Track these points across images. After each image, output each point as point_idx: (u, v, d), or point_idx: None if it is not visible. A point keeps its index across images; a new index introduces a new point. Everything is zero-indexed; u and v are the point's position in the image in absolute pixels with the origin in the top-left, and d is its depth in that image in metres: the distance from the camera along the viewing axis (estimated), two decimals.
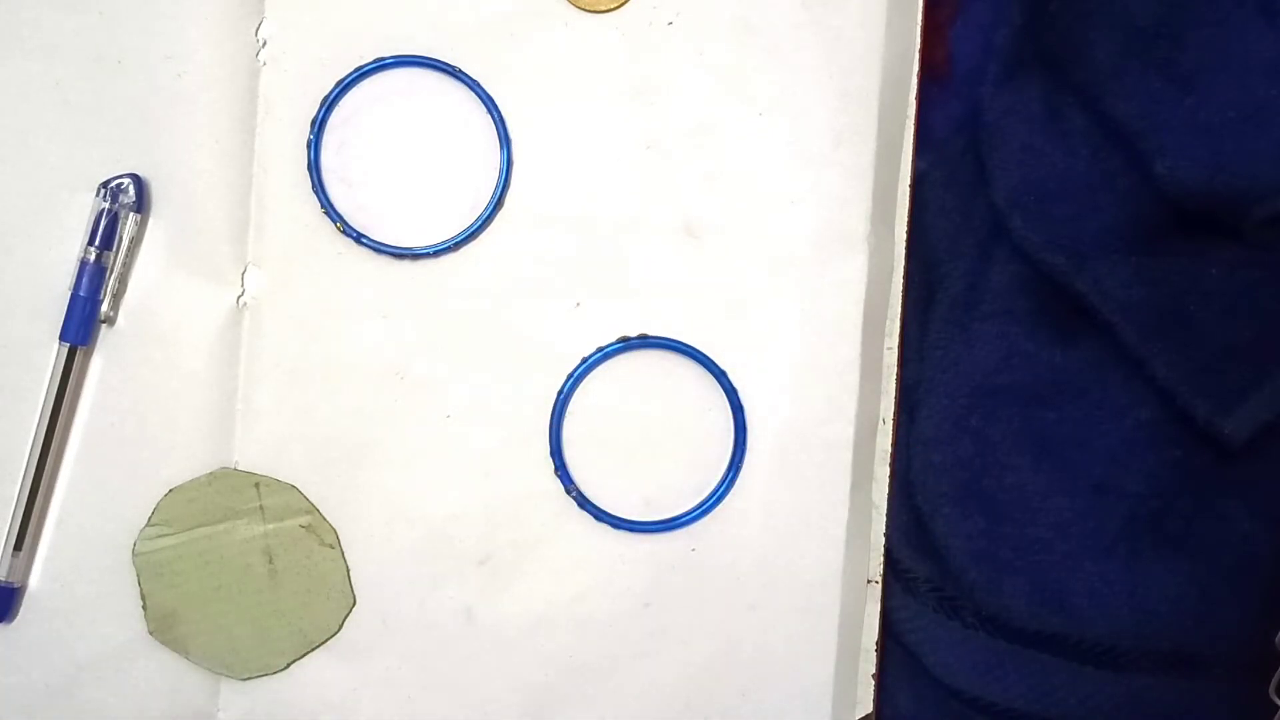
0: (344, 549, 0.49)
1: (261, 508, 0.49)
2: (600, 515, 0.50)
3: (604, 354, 0.50)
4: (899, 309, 0.51)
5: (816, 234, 0.50)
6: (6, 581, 0.48)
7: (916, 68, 0.51)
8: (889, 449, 0.52)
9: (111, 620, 0.49)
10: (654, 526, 0.50)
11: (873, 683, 0.52)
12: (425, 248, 0.49)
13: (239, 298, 0.49)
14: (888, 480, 0.52)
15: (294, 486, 0.49)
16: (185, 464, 0.49)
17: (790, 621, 0.51)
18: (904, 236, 0.51)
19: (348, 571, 0.50)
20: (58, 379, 0.48)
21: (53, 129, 0.48)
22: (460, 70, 0.49)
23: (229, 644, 0.49)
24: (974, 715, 0.53)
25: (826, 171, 0.50)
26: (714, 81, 0.50)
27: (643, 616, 0.51)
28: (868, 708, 0.52)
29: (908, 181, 0.51)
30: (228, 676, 0.49)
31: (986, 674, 0.52)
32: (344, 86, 0.49)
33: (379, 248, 0.49)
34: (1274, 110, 0.51)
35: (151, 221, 0.49)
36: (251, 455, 0.49)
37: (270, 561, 0.49)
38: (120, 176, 0.48)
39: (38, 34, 0.48)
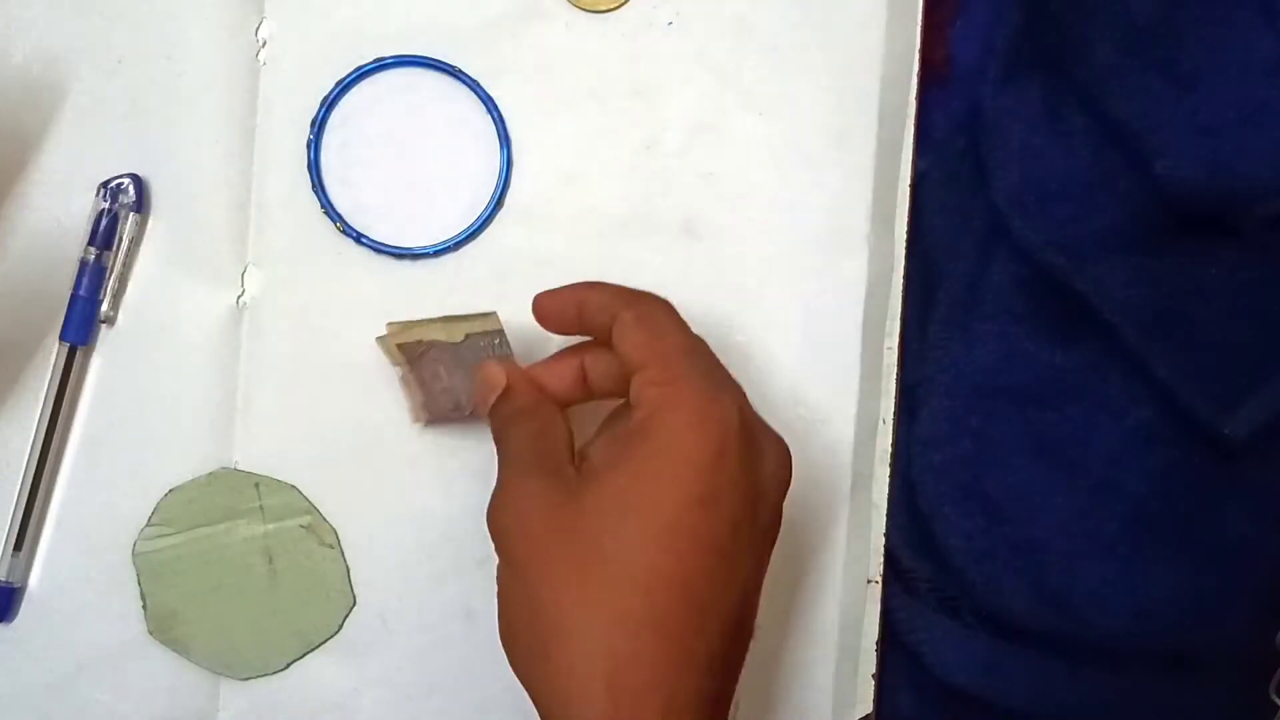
0: (344, 549, 0.49)
1: (261, 508, 0.49)
2: None
3: None
4: (899, 309, 0.51)
5: (816, 234, 0.50)
6: (6, 581, 0.48)
7: (916, 68, 0.51)
8: (889, 449, 0.52)
9: (111, 620, 0.49)
10: None
11: (873, 683, 0.52)
12: (425, 248, 0.49)
13: (239, 298, 0.49)
14: (888, 480, 0.52)
15: (294, 486, 0.49)
16: (185, 464, 0.49)
17: (790, 621, 0.51)
18: (904, 236, 0.51)
19: (348, 571, 0.50)
20: (58, 379, 0.48)
21: (53, 129, 0.48)
22: (460, 70, 0.49)
23: (229, 644, 0.49)
24: (974, 715, 0.52)
25: (826, 171, 0.50)
26: (714, 81, 0.50)
27: None
28: (868, 708, 0.52)
29: (908, 181, 0.51)
30: (228, 676, 0.49)
31: (986, 674, 0.52)
32: (344, 86, 0.49)
33: (379, 248, 0.49)
34: (1274, 110, 0.51)
35: (151, 221, 0.49)
36: (251, 455, 0.49)
37: (270, 561, 0.49)
38: (120, 176, 0.48)
39: (38, 34, 0.48)
